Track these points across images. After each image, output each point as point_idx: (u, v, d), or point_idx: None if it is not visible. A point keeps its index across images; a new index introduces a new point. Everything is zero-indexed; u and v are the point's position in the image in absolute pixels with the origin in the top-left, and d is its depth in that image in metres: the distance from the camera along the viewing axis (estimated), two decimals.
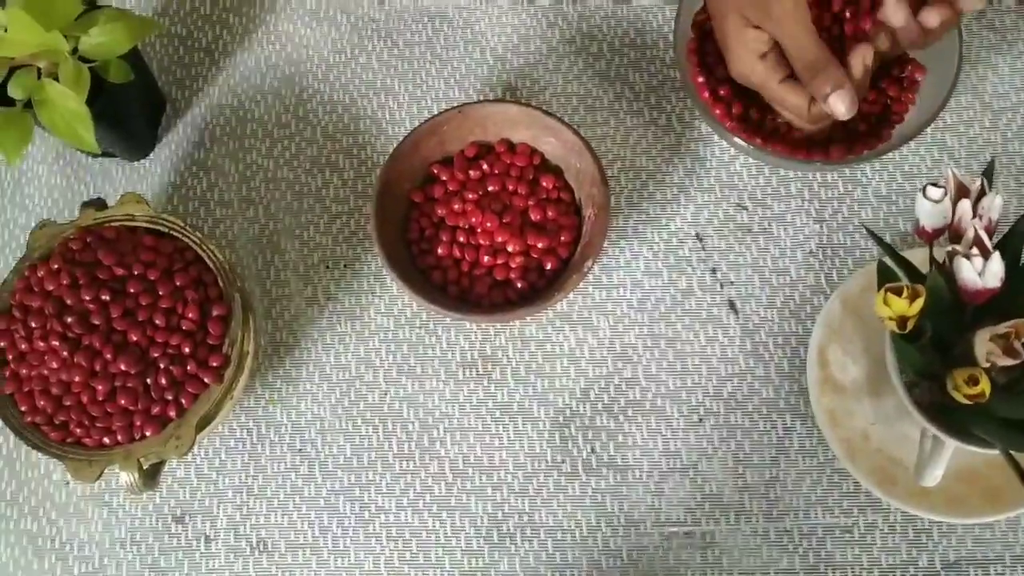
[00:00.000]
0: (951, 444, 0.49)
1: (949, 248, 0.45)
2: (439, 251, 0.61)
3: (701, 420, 0.61)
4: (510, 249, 0.60)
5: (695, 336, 0.63)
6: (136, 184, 0.67)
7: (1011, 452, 0.46)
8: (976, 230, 0.44)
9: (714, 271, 0.64)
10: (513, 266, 0.60)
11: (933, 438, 0.50)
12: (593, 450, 0.61)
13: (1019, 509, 0.56)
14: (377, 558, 0.59)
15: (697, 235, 0.65)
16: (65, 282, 0.55)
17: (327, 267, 0.65)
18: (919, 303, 0.44)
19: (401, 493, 0.61)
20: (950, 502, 0.56)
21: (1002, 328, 0.43)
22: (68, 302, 0.55)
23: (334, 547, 0.60)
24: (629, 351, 0.62)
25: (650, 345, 0.62)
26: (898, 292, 0.44)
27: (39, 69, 0.57)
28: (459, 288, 0.61)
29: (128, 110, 0.64)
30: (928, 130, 0.62)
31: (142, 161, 0.68)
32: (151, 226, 0.59)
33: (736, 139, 0.59)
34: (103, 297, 0.55)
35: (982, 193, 0.46)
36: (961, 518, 0.56)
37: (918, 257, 0.51)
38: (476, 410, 0.62)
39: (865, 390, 0.59)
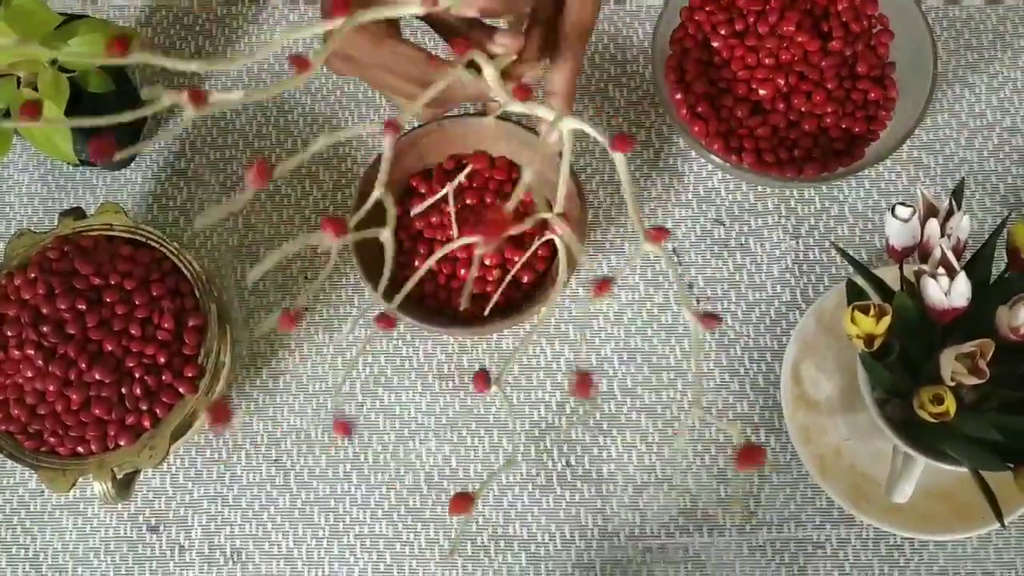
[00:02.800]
0: (921, 461, 0.50)
1: (917, 267, 0.45)
2: (416, 264, 0.61)
3: (676, 434, 0.61)
4: (487, 262, 0.60)
5: (671, 350, 0.63)
6: (117, 193, 0.67)
7: (979, 470, 0.47)
8: (943, 250, 0.44)
9: (691, 286, 0.64)
10: (490, 279, 0.60)
11: (904, 455, 0.51)
12: (568, 463, 0.61)
13: (990, 527, 0.56)
14: (351, 569, 0.59)
15: (674, 250, 0.65)
16: (41, 291, 0.55)
17: (306, 278, 0.65)
18: (885, 322, 0.44)
19: (376, 504, 0.61)
20: (922, 519, 0.56)
21: (967, 347, 0.43)
22: (44, 311, 0.55)
23: (308, 558, 0.60)
24: (605, 364, 0.63)
25: (626, 359, 0.63)
26: (865, 311, 0.44)
27: (18, 78, 0.58)
28: (436, 301, 0.61)
29: None
30: (904, 148, 0.62)
31: (123, 170, 0.68)
32: (129, 236, 0.59)
33: (713, 156, 0.60)
34: (79, 306, 0.55)
35: (950, 213, 0.46)
36: (932, 535, 0.57)
37: (892, 275, 0.52)
38: (452, 422, 0.62)
39: (838, 406, 0.59)
